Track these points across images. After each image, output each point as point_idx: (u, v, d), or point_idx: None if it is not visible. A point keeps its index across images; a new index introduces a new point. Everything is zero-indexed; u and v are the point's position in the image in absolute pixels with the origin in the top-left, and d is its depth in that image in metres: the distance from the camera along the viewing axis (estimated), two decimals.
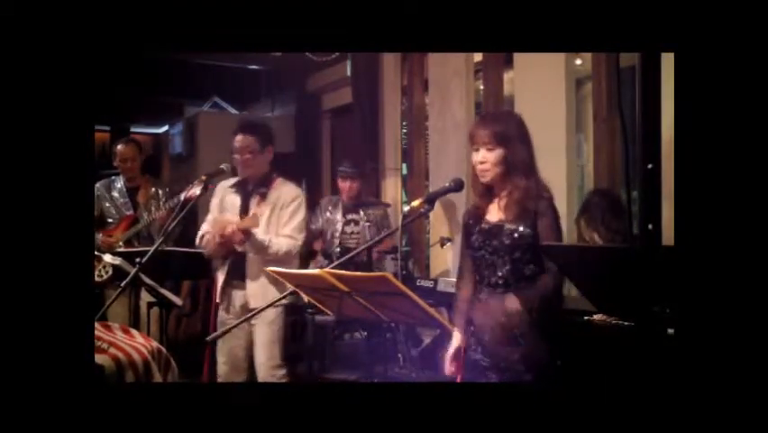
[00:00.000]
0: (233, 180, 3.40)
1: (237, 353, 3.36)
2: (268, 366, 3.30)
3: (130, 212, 4.30)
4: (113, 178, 4.42)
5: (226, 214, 3.34)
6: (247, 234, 3.14)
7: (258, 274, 3.24)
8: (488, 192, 2.35)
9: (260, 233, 3.20)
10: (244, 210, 3.33)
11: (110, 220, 4.28)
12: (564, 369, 2.81)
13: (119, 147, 4.38)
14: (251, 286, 3.27)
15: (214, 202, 3.42)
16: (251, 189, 3.36)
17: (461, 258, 2.48)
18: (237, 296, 3.33)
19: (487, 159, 2.26)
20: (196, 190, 3.15)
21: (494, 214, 2.33)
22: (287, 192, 3.36)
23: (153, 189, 4.40)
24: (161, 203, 4.31)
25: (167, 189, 4.44)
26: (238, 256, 3.30)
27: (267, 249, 3.21)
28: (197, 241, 3.39)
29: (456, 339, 2.40)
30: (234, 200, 3.37)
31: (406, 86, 5.75)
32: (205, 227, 3.38)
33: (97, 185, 4.37)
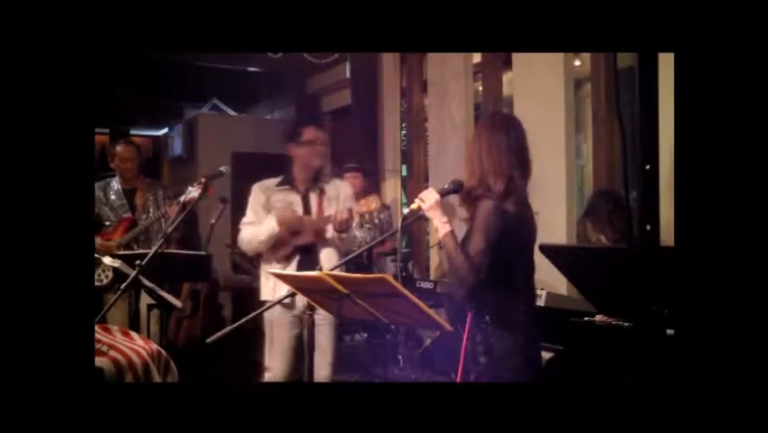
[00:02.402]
0: (273, 180, 3.35)
1: (294, 350, 3.27)
2: (326, 376, 3.26)
3: (127, 214, 4.26)
4: (107, 180, 4.36)
5: (288, 210, 3.26)
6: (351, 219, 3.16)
7: (333, 264, 3.19)
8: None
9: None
10: (306, 206, 3.30)
11: (107, 223, 4.25)
12: (565, 369, 2.82)
13: (118, 147, 4.33)
14: None
15: (258, 202, 3.30)
16: (309, 186, 3.33)
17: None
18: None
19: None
20: (195, 193, 3.14)
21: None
22: (342, 186, 3.41)
23: (150, 191, 4.37)
24: (161, 203, 4.28)
25: (163, 192, 4.40)
26: (306, 252, 3.24)
27: (349, 237, 3.28)
28: (265, 237, 3.21)
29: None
30: (288, 198, 3.31)
31: (405, 87, 5.76)
32: (272, 225, 3.20)
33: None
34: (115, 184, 4.33)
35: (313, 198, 3.31)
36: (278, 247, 3.24)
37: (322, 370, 3.23)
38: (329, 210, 3.28)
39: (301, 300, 3.18)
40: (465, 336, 2.39)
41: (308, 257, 3.23)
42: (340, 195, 3.34)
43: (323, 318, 3.18)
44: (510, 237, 2.22)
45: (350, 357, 4.90)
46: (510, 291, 2.28)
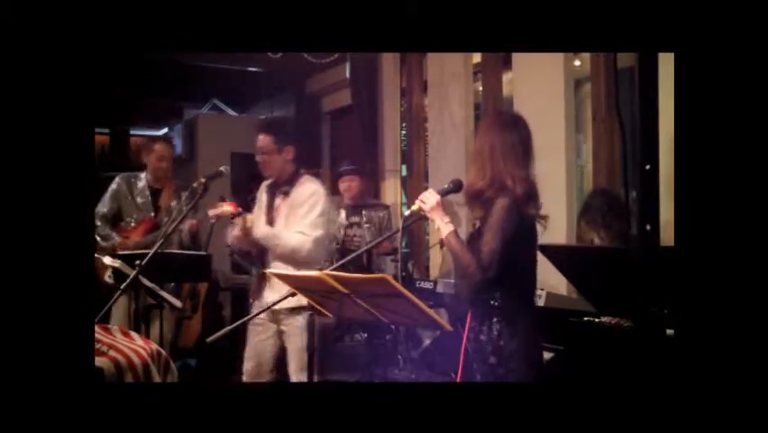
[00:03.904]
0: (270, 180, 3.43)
1: (264, 354, 3.32)
2: (303, 377, 3.27)
3: (151, 214, 4.20)
4: (135, 174, 4.28)
5: (258, 212, 3.38)
6: (247, 232, 3.17)
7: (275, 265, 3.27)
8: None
9: (262, 228, 3.25)
10: (269, 208, 3.34)
11: (128, 220, 4.17)
12: (565, 369, 2.82)
13: (157, 146, 4.24)
14: (271, 286, 3.28)
15: (257, 201, 3.48)
16: (278, 188, 3.38)
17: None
18: (267, 294, 3.32)
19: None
20: (195, 195, 3.16)
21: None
22: (303, 190, 3.33)
23: (177, 194, 4.25)
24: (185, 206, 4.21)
25: (186, 196, 4.32)
26: (262, 253, 3.31)
27: (273, 243, 3.23)
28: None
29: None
30: (264, 199, 3.39)
31: (406, 87, 5.76)
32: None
33: (118, 179, 4.25)
34: (141, 181, 4.24)
35: (277, 201, 3.36)
36: (243, 246, 3.35)
37: (293, 378, 3.26)
38: (284, 213, 3.30)
39: (269, 302, 3.25)
40: (465, 336, 2.39)
41: (264, 258, 3.33)
42: (297, 198, 3.31)
43: (292, 326, 3.23)
44: (524, 238, 2.23)
45: (350, 357, 4.90)
46: (520, 291, 2.30)
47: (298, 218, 3.25)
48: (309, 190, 3.33)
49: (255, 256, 3.38)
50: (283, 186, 3.34)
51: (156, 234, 4.03)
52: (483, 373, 2.30)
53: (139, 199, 4.20)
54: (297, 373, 3.26)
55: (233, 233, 3.21)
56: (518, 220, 2.20)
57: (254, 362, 3.33)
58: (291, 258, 3.21)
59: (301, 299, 2.87)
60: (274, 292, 3.24)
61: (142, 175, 4.27)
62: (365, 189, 5.02)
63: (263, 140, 3.32)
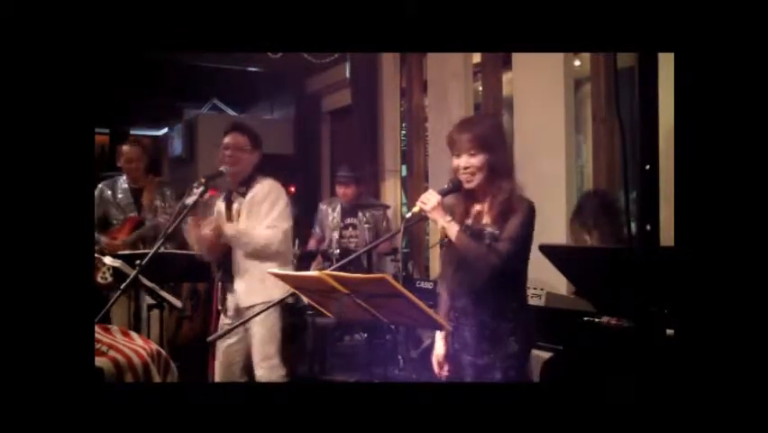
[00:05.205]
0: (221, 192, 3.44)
1: (233, 356, 3.36)
2: (264, 366, 3.30)
3: (134, 213, 4.27)
4: (115, 178, 4.37)
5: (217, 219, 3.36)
6: (218, 231, 3.17)
7: (244, 273, 3.28)
8: (470, 196, 2.36)
9: (232, 226, 3.25)
10: (228, 211, 3.37)
11: (114, 222, 4.25)
12: (565, 369, 2.82)
13: (124, 147, 4.33)
14: (239, 285, 3.30)
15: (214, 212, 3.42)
16: (233, 191, 3.39)
17: (442, 260, 2.53)
18: (231, 298, 3.34)
19: (471, 164, 2.28)
20: (195, 194, 3.15)
21: (476, 217, 2.35)
22: (260, 187, 3.38)
23: (158, 191, 4.36)
24: (167, 205, 4.28)
25: (169, 192, 4.40)
26: (228, 259, 3.31)
27: (244, 242, 3.24)
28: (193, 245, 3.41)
29: (443, 339, 2.42)
30: (220, 206, 3.41)
31: (405, 87, 5.76)
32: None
33: (100, 186, 4.33)
34: (123, 183, 4.33)
35: (235, 204, 3.37)
36: (209, 251, 3.33)
37: (257, 370, 3.29)
38: (246, 211, 3.31)
39: (232, 307, 3.30)
40: (452, 337, 2.41)
41: (228, 261, 3.32)
42: (255, 197, 3.33)
43: (255, 322, 3.22)
44: (530, 241, 2.29)
45: (350, 357, 4.90)
46: (518, 290, 2.35)
47: (262, 214, 3.29)
48: (267, 186, 3.39)
49: (218, 262, 3.36)
50: (239, 187, 3.38)
51: (142, 231, 4.18)
52: (479, 373, 2.31)
53: (121, 201, 4.30)
54: (261, 365, 3.30)
55: (203, 232, 3.19)
56: (533, 227, 2.28)
57: (226, 371, 3.36)
58: (263, 254, 3.25)
59: (268, 298, 2.90)
60: (245, 295, 3.28)
61: (123, 178, 4.36)
62: (362, 193, 5.02)
63: (238, 138, 3.37)
